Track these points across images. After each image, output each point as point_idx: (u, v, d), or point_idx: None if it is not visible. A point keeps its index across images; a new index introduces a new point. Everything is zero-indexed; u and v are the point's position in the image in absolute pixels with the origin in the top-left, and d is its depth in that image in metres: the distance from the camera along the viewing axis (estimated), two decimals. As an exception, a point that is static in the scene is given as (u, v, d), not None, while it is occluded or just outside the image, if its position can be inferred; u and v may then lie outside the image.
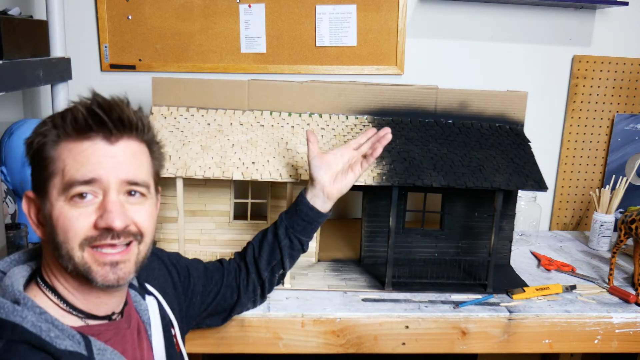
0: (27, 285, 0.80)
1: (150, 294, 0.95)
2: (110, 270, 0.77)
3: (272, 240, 1.18)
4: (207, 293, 1.10)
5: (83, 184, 0.74)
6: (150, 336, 0.90)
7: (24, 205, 0.80)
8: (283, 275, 1.22)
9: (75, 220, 0.75)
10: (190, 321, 1.08)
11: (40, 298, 0.78)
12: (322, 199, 1.18)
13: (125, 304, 0.87)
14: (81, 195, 0.75)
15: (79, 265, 0.76)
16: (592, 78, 1.83)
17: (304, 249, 1.21)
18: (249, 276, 1.17)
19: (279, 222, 1.19)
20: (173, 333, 0.96)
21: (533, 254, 1.64)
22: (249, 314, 1.20)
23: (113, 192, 0.76)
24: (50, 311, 0.76)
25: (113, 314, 0.83)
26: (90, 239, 0.75)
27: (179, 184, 1.28)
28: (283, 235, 1.17)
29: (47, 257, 0.80)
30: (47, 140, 0.76)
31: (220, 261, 1.19)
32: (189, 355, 1.03)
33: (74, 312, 0.79)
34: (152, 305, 0.93)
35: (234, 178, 1.27)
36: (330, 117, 1.43)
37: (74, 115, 0.75)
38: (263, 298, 1.21)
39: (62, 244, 0.75)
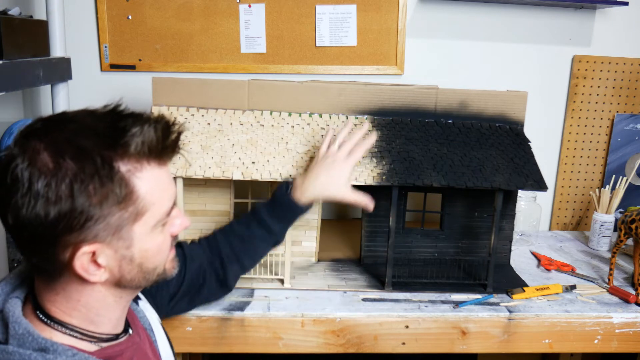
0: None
1: (139, 297, 0.91)
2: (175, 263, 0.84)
3: (243, 230, 1.16)
4: (169, 282, 1.05)
5: (171, 210, 0.77)
6: (155, 342, 0.88)
7: (83, 264, 0.69)
8: (242, 269, 1.19)
9: (167, 239, 0.78)
10: (159, 312, 1.01)
11: (56, 336, 0.72)
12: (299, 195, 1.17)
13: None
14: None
15: (165, 273, 0.80)
16: (592, 78, 1.83)
17: (277, 240, 1.19)
18: (213, 264, 1.15)
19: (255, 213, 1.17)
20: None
21: (533, 254, 1.64)
22: (249, 314, 1.20)
23: None
24: (72, 344, 0.72)
25: (124, 328, 0.82)
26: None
27: (179, 183, 1.28)
28: (256, 225, 1.16)
29: (53, 292, 0.73)
30: (133, 172, 0.69)
31: (181, 246, 1.14)
32: (189, 355, 1.03)
33: (87, 338, 0.75)
34: (147, 310, 0.91)
35: (234, 178, 1.27)
36: (330, 117, 1.43)
37: (150, 140, 0.69)
38: (226, 287, 1.18)
39: (156, 267, 0.77)
